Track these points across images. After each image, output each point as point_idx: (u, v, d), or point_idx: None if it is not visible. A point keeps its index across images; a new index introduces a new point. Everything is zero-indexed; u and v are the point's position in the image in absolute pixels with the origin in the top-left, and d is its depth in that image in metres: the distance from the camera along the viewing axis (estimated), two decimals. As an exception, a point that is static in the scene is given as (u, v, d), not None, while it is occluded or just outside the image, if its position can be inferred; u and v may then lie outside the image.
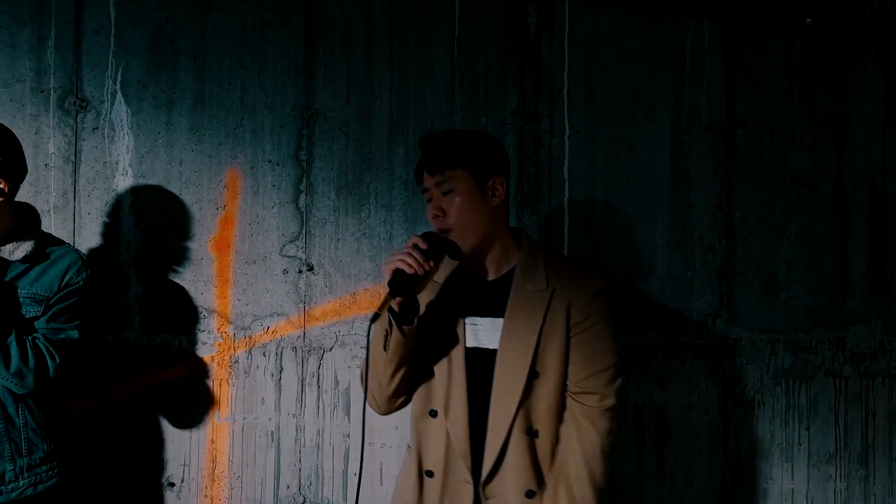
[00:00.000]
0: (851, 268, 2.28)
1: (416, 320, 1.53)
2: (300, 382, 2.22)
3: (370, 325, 1.49)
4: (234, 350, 2.20)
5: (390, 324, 1.52)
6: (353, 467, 2.22)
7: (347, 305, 2.23)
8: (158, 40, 2.16)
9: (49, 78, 2.12)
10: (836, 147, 2.29)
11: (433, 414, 1.62)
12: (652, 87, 2.28)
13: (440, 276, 1.66)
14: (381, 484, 2.23)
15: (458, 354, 1.59)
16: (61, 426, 1.81)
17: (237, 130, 2.21)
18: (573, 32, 2.30)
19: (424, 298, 1.62)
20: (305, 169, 2.22)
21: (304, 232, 2.22)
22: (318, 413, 2.22)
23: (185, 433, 2.18)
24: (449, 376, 1.59)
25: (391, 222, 2.25)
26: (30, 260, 1.71)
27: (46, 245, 1.76)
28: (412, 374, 1.62)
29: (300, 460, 2.22)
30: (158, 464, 2.17)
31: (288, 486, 2.21)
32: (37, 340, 1.67)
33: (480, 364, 1.58)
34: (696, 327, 2.25)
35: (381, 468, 2.23)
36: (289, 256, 2.22)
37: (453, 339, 1.60)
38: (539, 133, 2.27)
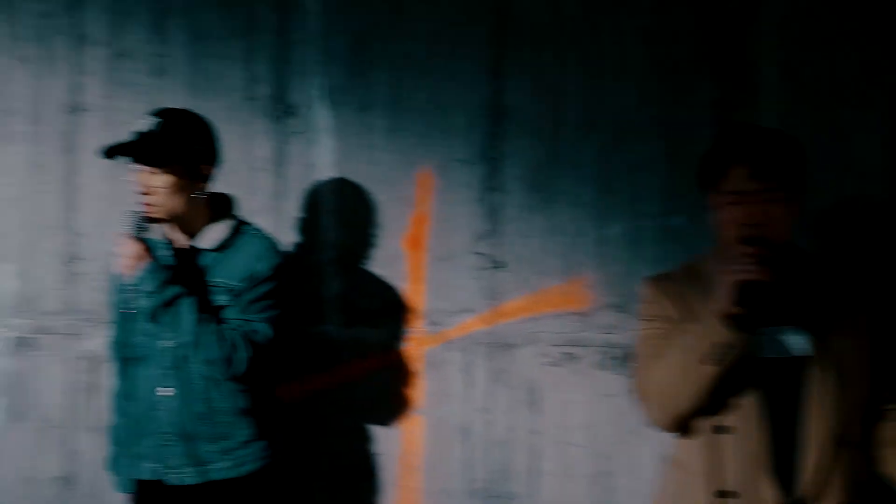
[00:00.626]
0: None
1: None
2: (490, 378, 2.24)
3: (722, 332, 1.39)
4: (427, 345, 2.26)
5: (738, 339, 1.40)
6: (542, 464, 2.22)
7: (536, 302, 2.23)
8: (358, 46, 2.26)
9: (259, 86, 2.26)
10: None
11: (723, 430, 1.50)
12: (865, 73, 2.11)
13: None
14: (571, 482, 2.21)
15: (751, 365, 1.46)
16: (264, 412, 1.89)
17: (430, 131, 2.26)
18: (773, 16, 2.17)
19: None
20: (495, 167, 2.24)
21: (493, 229, 2.24)
22: (507, 409, 2.24)
23: (381, 424, 2.26)
24: (742, 388, 1.48)
25: (580, 219, 2.22)
26: (222, 247, 1.81)
27: (240, 233, 1.85)
28: None
29: (489, 455, 2.24)
30: (357, 452, 2.26)
31: (478, 481, 2.24)
32: (238, 327, 1.76)
33: (777, 374, 1.48)
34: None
35: (570, 466, 2.21)
36: (479, 253, 2.25)
37: (746, 352, 1.46)
38: (738, 124, 2.16)
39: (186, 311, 1.71)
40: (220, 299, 1.79)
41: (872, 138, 2.12)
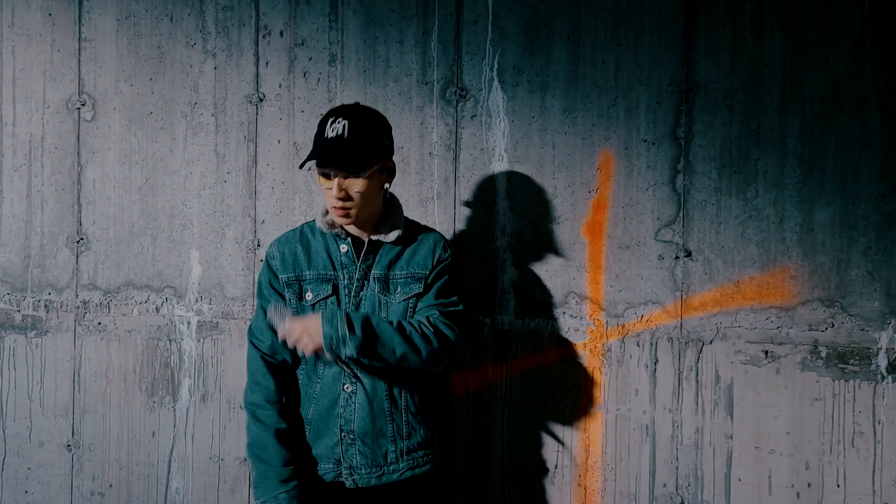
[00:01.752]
0: None
1: None
2: (677, 376, 2.08)
3: None
4: (607, 338, 2.12)
5: None
6: (737, 472, 2.03)
7: (730, 295, 2.04)
8: (533, 23, 2.15)
9: (432, 70, 2.21)
10: None
11: None
12: None
13: None
14: (769, 493, 2.01)
15: None
16: (437, 411, 1.86)
17: (611, 110, 2.12)
18: None
19: None
20: (683, 147, 2.07)
21: (681, 215, 2.07)
22: (696, 410, 2.06)
23: (557, 419, 2.16)
24: None
25: (783, 203, 2.01)
26: (402, 242, 1.76)
27: (412, 229, 1.80)
28: None
29: (677, 458, 2.08)
30: (532, 448, 2.17)
31: (664, 485, 2.08)
32: (431, 318, 1.70)
33: None
34: None
35: (769, 476, 2.01)
36: (664, 241, 2.08)
37: None
38: (979, 91, 1.86)
39: (386, 331, 1.64)
40: (413, 288, 1.74)
41: None
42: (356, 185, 1.65)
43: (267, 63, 2.30)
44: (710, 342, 2.06)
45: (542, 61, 2.16)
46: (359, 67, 2.24)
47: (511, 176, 2.18)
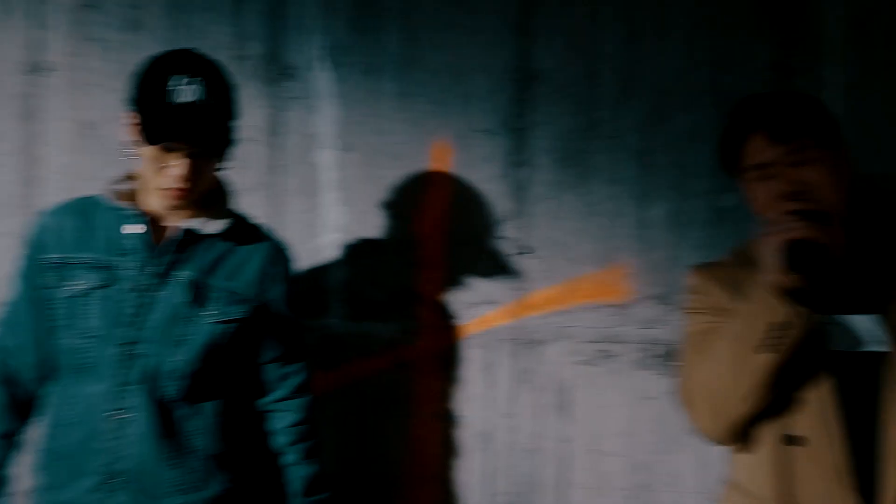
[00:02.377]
0: None
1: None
2: (514, 379, 1.98)
3: (778, 307, 1.17)
4: (443, 341, 1.99)
5: (797, 315, 1.18)
6: (573, 476, 1.97)
7: (568, 293, 1.97)
8: (364, 0, 1.96)
9: (250, 44, 1.97)
10: None
11: (794, 441, 1.28)
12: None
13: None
14: (604, 496, 1.96)
15: (820, 360, 1.26)
16: (257, 449, 1.55)
17: (446, 97, 1.98)
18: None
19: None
20: (521, 138, 1.97)
21: (519, 210, 1.97)
22: (533, 413, 1.98)
23: (389, 427, 2.00)
24: (810, 390, 1.26)
25: (618, 198, 1.96)
26: (227, 239, 1.43)
27: (242, 226, 1.48)
28: None
29: (514, 465, 1.98)
30: (366, 460, 2.00)
31: (501, 494, 1.98)
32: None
33: (849, 370, 1.26)
34: None
35: (606, 478, 1.96)
36: (503, 237, 1.98)
37: (812, 341, 1.26)
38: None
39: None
40: (230, 311, 1.40)
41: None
42: (210, 165, 1.35)
43: (50, 27, 1.94)
44: (549, 342, 1.98)
45: (373, 41, 1.98)
46: (163, 36, 1.95)
47: (340, 164, 1.98)
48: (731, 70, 1.94)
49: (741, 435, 1.31)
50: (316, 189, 1.98)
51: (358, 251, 1.99)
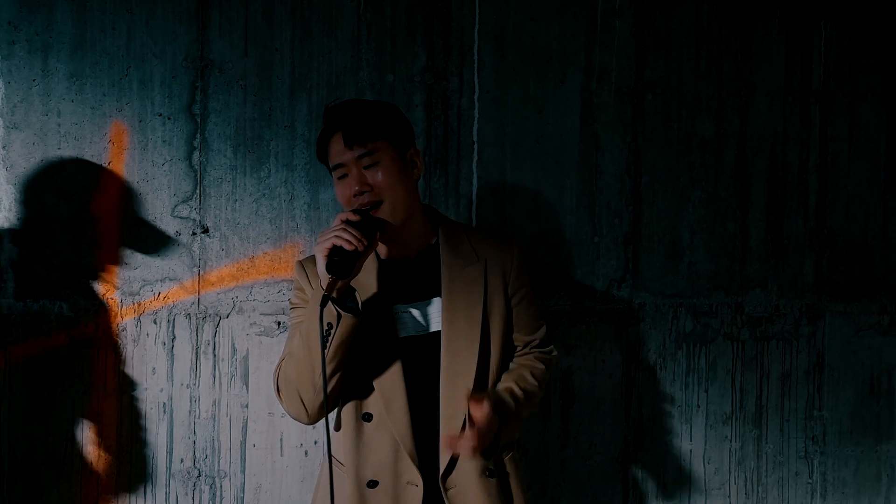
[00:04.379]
0: (751, 233, 2.33)
1: (361, 309, 1.40)
2: (194, 351, 2.10)
3: (321, 310, 1.33)
4: (122, 317, 2.06)
5: (338, 315, 1.35)
6: (252, 438, 2.13)
7: (245, 270, 2.12)
8: (30, -23, 1.96)
9: None
10: (739, 113, 2.32)
11: (367, 418, 1.49)
12: (563, 48, 2.24)
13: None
14: (280, 455, 2.14)
15: (390, 347, 1.47)
16: None
17: (123, 80, 2.04)
18: (484, -12, 2.22)
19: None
20: (199, 124, 2.08)
21: (198, 191, 2.09)
22: (213, 383, 2.11)
23: (67, 407, 2.03)
24: (382, 373, 1.47)
25: (293, 182, 2.14)
26: None
27: None
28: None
29: (195, 433, 2.10)
30: (38, 441, 2.01)
31: (182, 460, 2.10)
32: None
33: (416, 353, 1.48)
34: (601, 293, 2.25)
35: (280, 439, 2.15)
36: (181, 217, 2.08)
37: (383, 331, 1.48)
38: (448, 93, 2.20)
39: None
40: None
41: (571, 113, 2.25)
42: None
43: None
44: (227, 316, 2.11)
45: (43, 20, 1.99)
46: None
47: (8, 143, 1.97)
48: (393, 69, 2.18)
49: (325, 416, 1.43)
50: (-19, 167, 1.95)
51: (31, 230, 1.99)
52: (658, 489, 2.29)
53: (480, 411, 1.38)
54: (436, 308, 1.50)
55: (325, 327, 1.36)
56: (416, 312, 1.51)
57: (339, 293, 1.39)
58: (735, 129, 2.31)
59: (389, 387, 1.47)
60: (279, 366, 1.52)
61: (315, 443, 2.15)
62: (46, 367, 2.01)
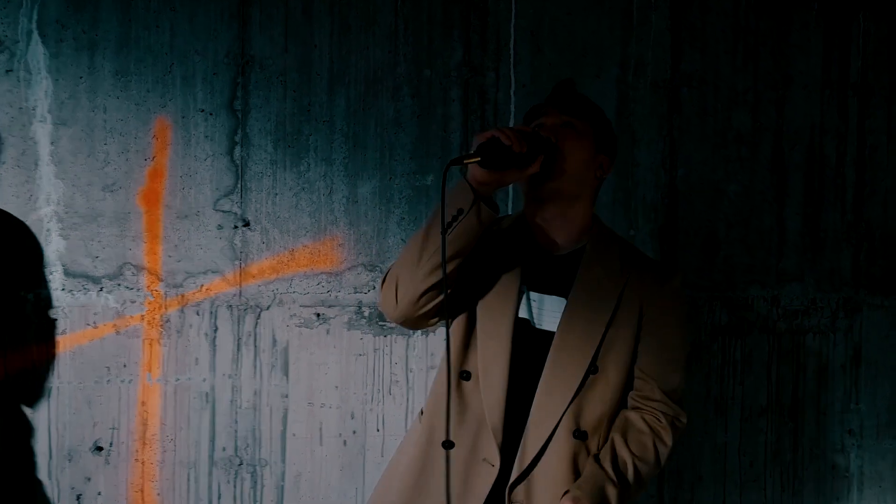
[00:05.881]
0: (787, 226, 2.32)
1: (496, 212, 1.34)
2: (236, 342, 2.14)
3: (446, 168, 1.28)
4: (166, 309, 2.10)
5: (474, 202, 1.28)
6: (292, 428, 2.17)
7: (286, 262, 2.16)
8: (78, -24, 2.01)
9: (-45, 14, 1.94)
10: (776, 106, 2.31)
11: (466, 376, 1.41)
12: (599, 42, 2.24)
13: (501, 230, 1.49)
14: (320, 444, 2.18)
15: (506, 321, 1.40)
16: None
17: (167, 77, 2.08)
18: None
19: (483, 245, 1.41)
20: (240, 119, 2.12)
21: (239, 186, 2.12)
22: (254, 373, 2.15)
23: (113, 395, 2.08)
24: (492, 340, 1.40)
25: (331, 176, 2.17)
26: None
27: None
28: (452, 309, 1.39)
29: (236, 422, 2.15)
30: (85, 428, 2.07)
31: (224, 448, 2.14)
32: None
33: (530, 342, 1.41)
34: (637, 285, 2.25)
35: (320, 429, 2.18)
36: (223, 211, 2.12)
37: (505, 304, 1.41)
38: (485, 87, 2.21)
39: None
40: None
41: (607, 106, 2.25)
42: None
43: None
44: (268, 308, 2.15)
45: (89, 18, 2.03)
46: None
47: (57, 139, 2.02)
48: (430, 64, 2.20)
49: (415, 320, 1.39)
50: (31, 162, 2.00)
51: (77, 224, 2.04)
52: (693, 481, 2.30)
53: None
54: (558, 307, 1.43)
55: (452, 214, 1.30)
56: (544, 305, 1.43)
57: (479, 186, 1.31)
58: (772, 122, 2.31)
59: (493, 351, 1.40)
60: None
61: (354, 432, 2.18)
62: (93, 358, 2.06)
